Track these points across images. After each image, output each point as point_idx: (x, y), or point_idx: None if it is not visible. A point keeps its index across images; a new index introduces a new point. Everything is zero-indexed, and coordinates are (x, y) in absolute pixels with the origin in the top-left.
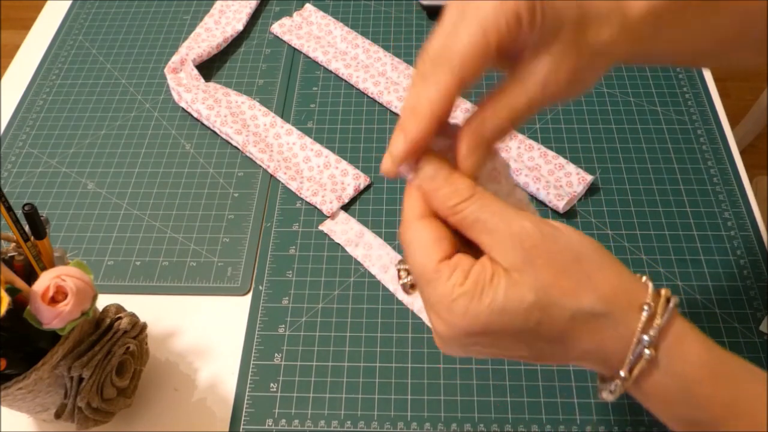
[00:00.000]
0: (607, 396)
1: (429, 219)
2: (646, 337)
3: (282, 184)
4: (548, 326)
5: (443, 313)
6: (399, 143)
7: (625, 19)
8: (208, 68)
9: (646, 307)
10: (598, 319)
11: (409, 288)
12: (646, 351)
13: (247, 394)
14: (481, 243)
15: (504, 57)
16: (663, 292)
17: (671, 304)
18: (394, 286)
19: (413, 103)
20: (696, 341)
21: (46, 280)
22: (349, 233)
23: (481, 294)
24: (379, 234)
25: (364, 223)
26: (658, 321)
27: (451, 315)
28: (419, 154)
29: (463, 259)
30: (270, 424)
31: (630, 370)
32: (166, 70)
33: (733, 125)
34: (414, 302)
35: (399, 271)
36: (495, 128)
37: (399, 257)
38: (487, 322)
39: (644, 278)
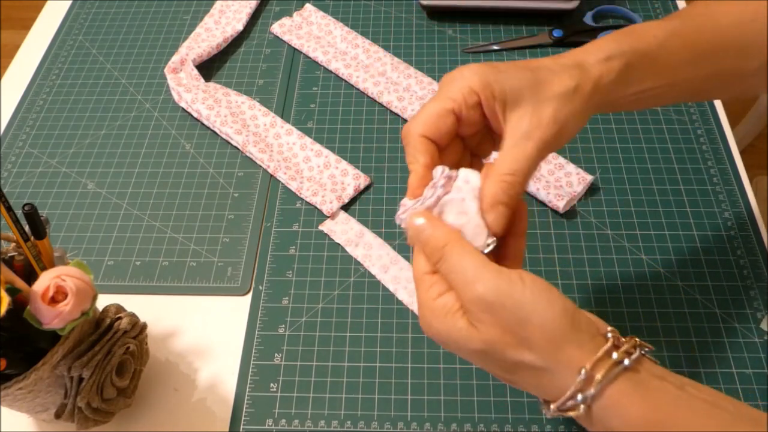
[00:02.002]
0: (546, 413)
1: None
2: (579, 397)
3: (282, 184)
4: (496, 363)
5: (421, 314)
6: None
7: (584, 69)
8: (208, 68)
9: (582, 371)
10: (538, 371)
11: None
12: (581, 406)
13: (247, 394)
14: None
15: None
16: (616, 354)
17: (619, 366)
18: (394, 286)
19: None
20: (639, 399)
21: (46, 280)
22: (349, 233)
23: (444, 318)
24: (379, 234)
25: (364, 223)
26: (593, 384)
27: (422, 320)
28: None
29: (441, 281)
30: (270, 424)
31: (562, 411)
32: (166, 70)
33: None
34: (414, 302)
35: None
36: (504, 186)
37: (399, 257)
38: (445, 341)
39: (609, 334)
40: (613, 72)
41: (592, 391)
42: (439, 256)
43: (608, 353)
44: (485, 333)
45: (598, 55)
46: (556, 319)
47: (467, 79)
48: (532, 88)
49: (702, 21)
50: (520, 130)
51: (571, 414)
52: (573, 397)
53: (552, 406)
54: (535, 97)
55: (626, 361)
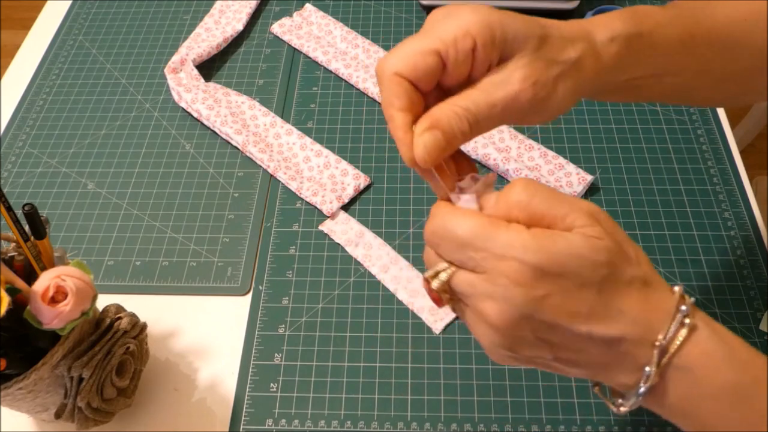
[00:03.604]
0: (621, 403)
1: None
2: (684, 307)
3: (282, 184)
4: (609, 285)
5: (517, 253)
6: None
7: (592, 42)
8: (208, 68)
9: (676, 287)
10: (647, 288)
11: (442, 290)
12: (687, 320)
13: (247, 394)
14: (556, 228)
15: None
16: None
17: (692, 298)
18: (394, 286)
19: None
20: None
21: (46, 280)
22: (349, 233)
23: (555, 239)
24: (379, 234)
25: (364, 223)
26: (689, 300)
27: (526, 253)
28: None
29: (515, 222)
30: (270, 424)
31: (665, 336)
32: (166, 70)
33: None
34: (414, 302)
35: (429, 280)
36: (452, 115)
37: (399, 257)
38: (562, 262)
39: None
40: (615, 54)
41: (692, 301)
42: (527, 198)
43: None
44: (606, 241)
45: (605, 33)
46: None
47: (464, 20)
48: (537, 43)
49: (700, 14)
50: (500, 75)
51: (677, 341)
52: (679, 309)
53: (662, 331)
54: (534, 54)
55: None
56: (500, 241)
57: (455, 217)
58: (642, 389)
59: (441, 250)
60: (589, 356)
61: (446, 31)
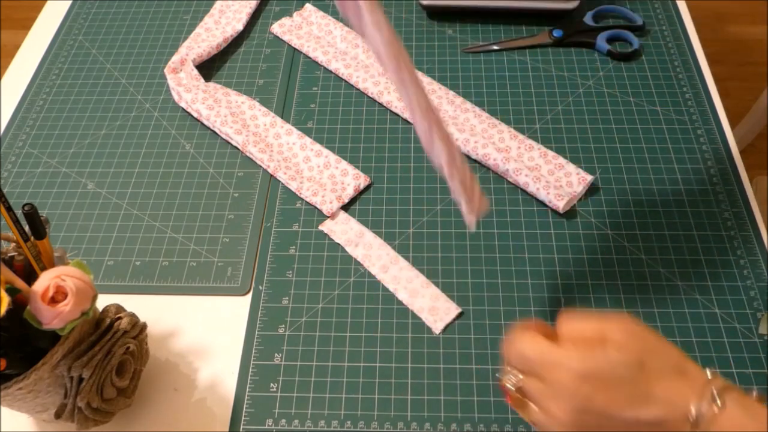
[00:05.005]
0: None
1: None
2: (714, 389)
3: (282, 184)
4: (642, 378)
5: (565, 362)
6: None
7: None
8: (208, 68)
9: (708, 370)
10: (676, 374)
11: (516, 391)
12: (717, 399)
13: (247, 394)
14: (594, 333)
15: None
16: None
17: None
18: (394, 286)
19: None
20: (749, 396)
21: (46, 280)
22: (349, 233)
23: (593, 350)
24: (379, 234)
25: (364, 223)
26: (721, 381)
27: (571, 361)
28: None
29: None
30: (270, 424)
31: (695, 413)
32: (166, 70)
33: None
34: (414, 302)
35: (505, 384)
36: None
37: (399, 257)
38: (599, 367)
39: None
40: None
41: (723, 383)
42: (569, 321)
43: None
44: (632, 345)
45: None
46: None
47: None
48: None
49: None
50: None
51: (707, 416)
52: (709, 389)
53: (692, 406)
54: None
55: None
56: (556, 358)
57: (526, 344)
58: None
59: (518, 365)
60: (642, 428)
61: None
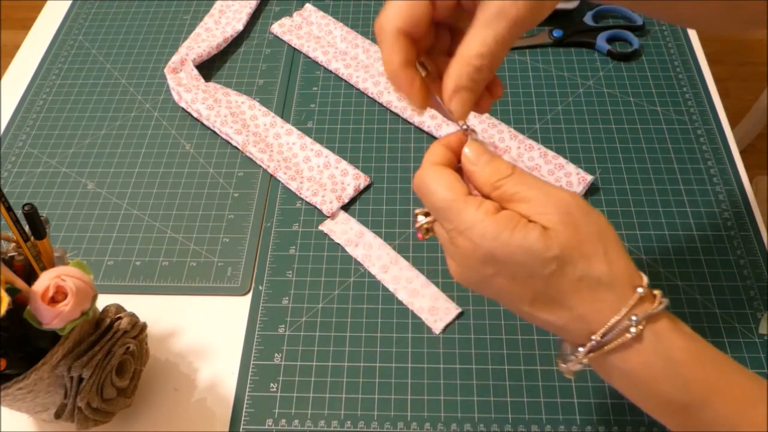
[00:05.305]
0: (562, 365)
1: (449, 168)
2: (634, 317)
3: (282, 184)
4: (557, 279)
5: (474, 236)
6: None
7: None
8: (208, 68)
9: (640, 289)
10: (600, 287)
11: (425, 231)
12: (632, 329)
13: (247, 394)
14: (521, 211)
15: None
16: (657, 291)
17: (663, 304)
18: (393, 286)
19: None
20: (683, 332)
21: (46, 280)
22: (349, 233)
23: (513, 229)
24: (379, 234)
25: (364, 223)
26: (651, 307)
27: (482, 239)
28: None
29: (488, 201)
30: (270, 424)
31: (602, 336)
32: (166, 70)
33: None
34: (414, 302)
35: (417, 215)
36: (471, 70)
37: (399, 257)
38: (512, 252)
39: (643, 275)
40: None
41: (651, 308)
42: (508, 173)
43: (651, 290)
44: (566, 238)
45: None
46: (620, 243)
47: None
48: None
49: None
50: (494, 6)
51: (613, 344)
52: (628, 316)
53: (599, 332)
54: None
55: (664, 302)
56: (465, 220)
57: (437, 183)
58: (577, 366)
59: (423, 201)
60: (536, 322)
61: None
